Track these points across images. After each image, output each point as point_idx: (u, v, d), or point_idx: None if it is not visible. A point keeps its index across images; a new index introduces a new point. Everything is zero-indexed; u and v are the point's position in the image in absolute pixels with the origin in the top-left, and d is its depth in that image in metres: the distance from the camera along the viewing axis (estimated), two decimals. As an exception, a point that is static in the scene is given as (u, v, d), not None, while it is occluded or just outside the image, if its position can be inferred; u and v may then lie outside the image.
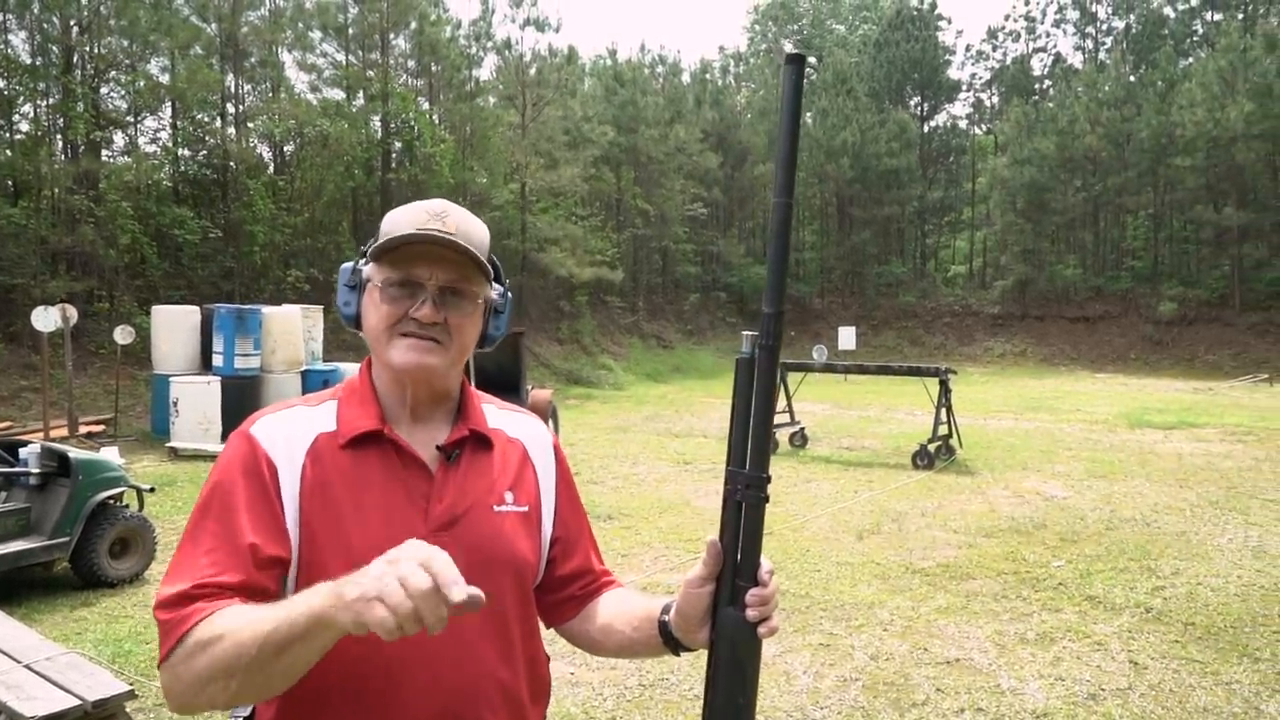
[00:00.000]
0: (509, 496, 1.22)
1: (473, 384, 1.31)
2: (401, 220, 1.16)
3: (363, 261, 1.21)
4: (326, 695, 1.11)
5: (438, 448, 1.20)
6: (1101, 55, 38.93)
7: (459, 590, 0.83)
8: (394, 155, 21.99)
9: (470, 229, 1.18)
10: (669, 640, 1.16)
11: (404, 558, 0.85)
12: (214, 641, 0.96)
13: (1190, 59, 34.91)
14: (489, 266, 1.19)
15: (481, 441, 1.24)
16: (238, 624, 0.96)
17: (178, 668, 0.99)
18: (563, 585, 1.30)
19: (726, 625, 1.02)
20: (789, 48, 0.93)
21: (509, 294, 1.26)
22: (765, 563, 1.04)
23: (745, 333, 1.04)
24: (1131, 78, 33.28)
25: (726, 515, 1.02)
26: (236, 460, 1.14)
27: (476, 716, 1.14)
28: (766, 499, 1.01)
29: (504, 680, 1.17)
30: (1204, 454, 10.83)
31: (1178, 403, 17.43)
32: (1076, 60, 41.03)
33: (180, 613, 1.00)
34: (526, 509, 1.24)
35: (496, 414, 1.31)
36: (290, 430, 1.17)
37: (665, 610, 1.16)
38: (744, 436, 1.02)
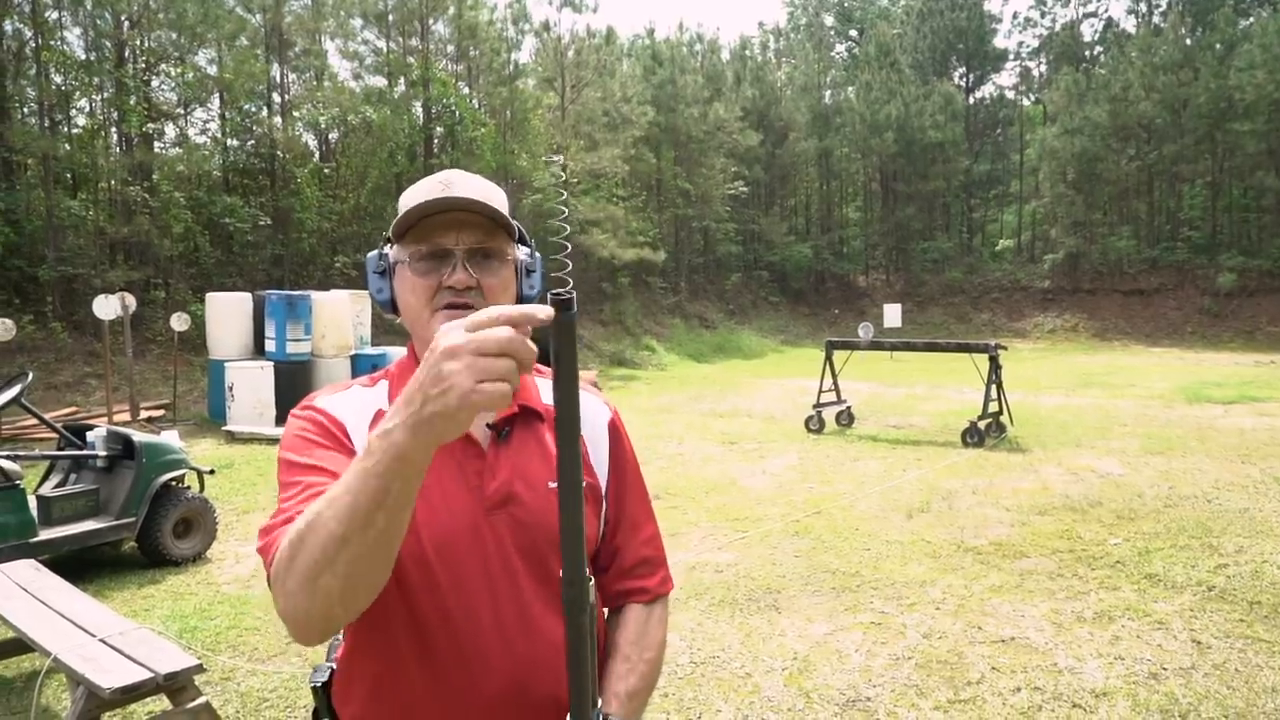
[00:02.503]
0: None
1: None
2: (415, 196, 1.18)
3: (388, 246, 1.21)
4: (400, 663, 1.12)
5: (488, 425, 1.19)
6: (1155, 19, 37.56)
7: (540, 311, 0.80)
8: (436, 141, 22.12)
9: (484, 191, 1.18)
10: None
11: (451, 339, 0.81)
12: (305, 534, 0.90)
13: (1250, 19, 33.49)
14: (511, 226, 1.18)
15: (534, 417, 1.23)
16: (319, 506, 0.90)
17: (285, 583, 0.93)
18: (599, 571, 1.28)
19: None
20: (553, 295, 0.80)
21: (537, 253, 1.25)
22: None
23: None
24: (1188, 40, 32.04)
25: None
26: (310, 423, 1.16)
27: (545, 689, 1.13)
28: None
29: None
30: (1268, 429, 10.50)
31: (1238, 377, 16.89)
32: (1129, 24, 39.72)
33: (272, 535, 1.00)
34: (584, 484, 1.22)
35: (552, 389, 1.30)
36: (350, 406, 1.20)
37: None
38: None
